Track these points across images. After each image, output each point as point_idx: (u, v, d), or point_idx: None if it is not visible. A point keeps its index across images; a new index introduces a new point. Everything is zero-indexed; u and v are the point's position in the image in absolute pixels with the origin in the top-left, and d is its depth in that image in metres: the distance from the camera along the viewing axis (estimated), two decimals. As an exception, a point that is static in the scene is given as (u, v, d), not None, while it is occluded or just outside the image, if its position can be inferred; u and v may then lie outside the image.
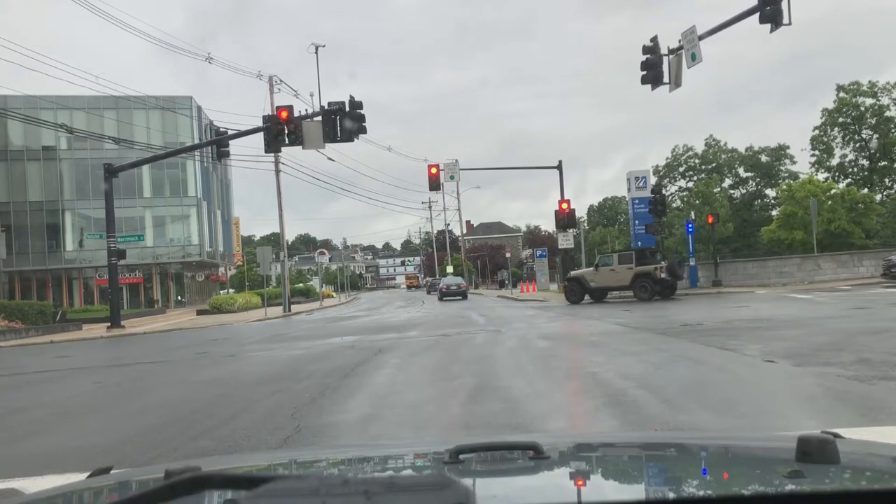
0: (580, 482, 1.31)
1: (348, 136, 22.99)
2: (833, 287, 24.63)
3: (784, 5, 16.87)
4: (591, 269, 27.46)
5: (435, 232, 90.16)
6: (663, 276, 24.99)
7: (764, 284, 28.97)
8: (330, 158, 43.27)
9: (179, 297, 59.43)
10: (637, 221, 34.76)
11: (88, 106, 47.77)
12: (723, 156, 71.78)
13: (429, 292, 64.68)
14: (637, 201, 34.62)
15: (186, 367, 12.60)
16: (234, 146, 68.60)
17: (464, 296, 42.54)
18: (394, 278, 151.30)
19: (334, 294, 67.98)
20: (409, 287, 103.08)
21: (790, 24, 16.84)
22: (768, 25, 17.03)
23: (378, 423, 6.32)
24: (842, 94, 55.42)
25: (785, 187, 51.64)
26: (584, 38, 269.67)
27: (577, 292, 26.96)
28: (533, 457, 1.29)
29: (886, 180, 57.30)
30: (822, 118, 57.30)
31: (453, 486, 0.75)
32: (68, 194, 53.36)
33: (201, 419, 6.88)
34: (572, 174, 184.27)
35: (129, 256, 34.04)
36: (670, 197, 66.05)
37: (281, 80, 36.40)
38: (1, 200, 50.72)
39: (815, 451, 1.13)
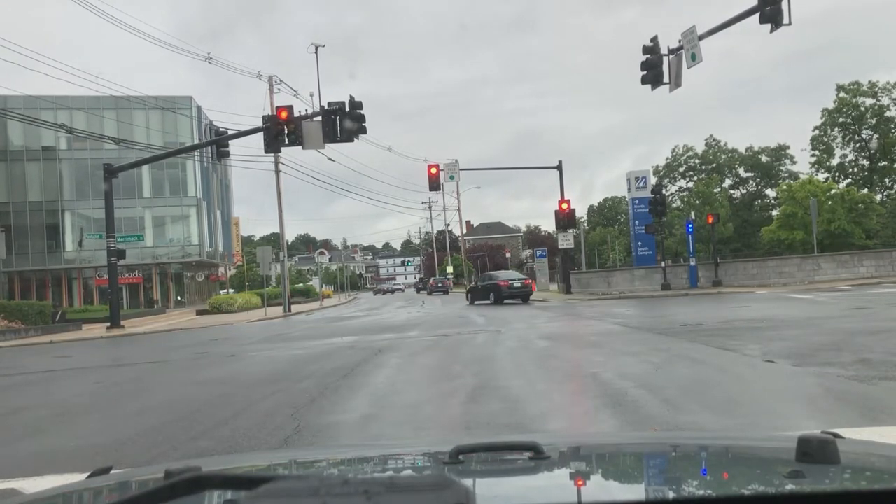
0: (580, 482, 1.31)
1: (348, 137, 22.97)
2: (833, 287, 24.62)
3: (784, 5, 16.84)
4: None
5: (435, 232, 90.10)
6: None
7: (764, 284, 28.96)
8: (330, 158, 43.15)
9: (179, 298, 59.42)
10: (637, 221, 34.78)
11: (88, 106, 47.76)
12: (723, 156, 71.83)
13: (430, 293, 60.04)
14: (637, 201, 34.62)
15: (186, 367, 12.59)
16: (234, 146, 68.66)
17: (445, 291, 43.14)
18: (394, 278, 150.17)
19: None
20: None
21: (790, 23, 16.81)
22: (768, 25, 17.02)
23: (378, 423, 6.32)
24: (842, 94, 55.40)
25: (785, 187, 51.70)
26: (588, 34, 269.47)
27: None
28: (533, 457, 1.29)
29: (886, 180, 57.32)
30: (822, 118, 57.30)
31: (453, 486, 0.75)
32: (68, 194, 53.37)
33: (201, 419, 6.87)
34: (581, 173, 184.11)
35: (128, 256, 33.99)
36: (670, 197, 66.12)
37: (281, 80, 36.43)
38: (1, 200, 50.73)
39: (816, 451, 1.13)
